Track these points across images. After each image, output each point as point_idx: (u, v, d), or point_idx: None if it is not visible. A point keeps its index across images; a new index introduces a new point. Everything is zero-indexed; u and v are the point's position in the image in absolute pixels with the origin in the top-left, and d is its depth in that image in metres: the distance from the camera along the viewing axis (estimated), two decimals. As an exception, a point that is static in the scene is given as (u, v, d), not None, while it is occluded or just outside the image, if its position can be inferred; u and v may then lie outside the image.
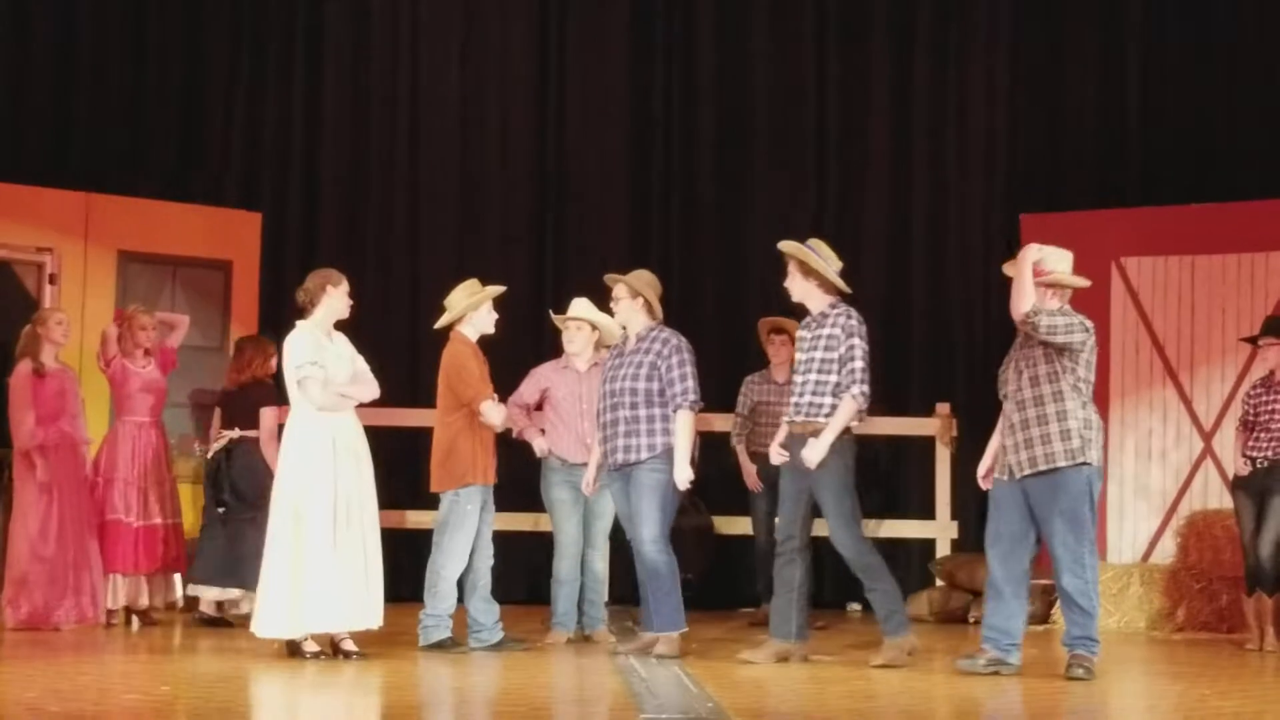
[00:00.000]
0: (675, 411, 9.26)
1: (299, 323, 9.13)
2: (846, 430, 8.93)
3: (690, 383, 9.29)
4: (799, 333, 9.22)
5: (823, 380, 8.93)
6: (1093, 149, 13.59)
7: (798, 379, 9.06)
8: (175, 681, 8.10)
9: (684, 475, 9.21)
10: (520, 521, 11.82)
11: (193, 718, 7.20)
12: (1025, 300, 8.52)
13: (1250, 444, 10.54)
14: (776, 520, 9.31)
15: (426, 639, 9.38)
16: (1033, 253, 8.62)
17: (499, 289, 9.67)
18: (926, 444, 12.79)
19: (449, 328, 9.63)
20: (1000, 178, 13.76)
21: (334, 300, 9.12)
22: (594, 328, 10.11)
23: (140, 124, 13.42)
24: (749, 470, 11.37)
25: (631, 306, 9.44)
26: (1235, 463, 10.71)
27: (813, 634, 9.33)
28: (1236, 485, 10.68)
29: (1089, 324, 8.70)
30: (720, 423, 11.81)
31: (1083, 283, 8.82)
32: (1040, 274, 8.67)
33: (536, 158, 13.98)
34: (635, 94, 14.02)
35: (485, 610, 9.49)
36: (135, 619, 10.63)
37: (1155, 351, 12.45)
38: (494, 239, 13.79)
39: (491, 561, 9.56)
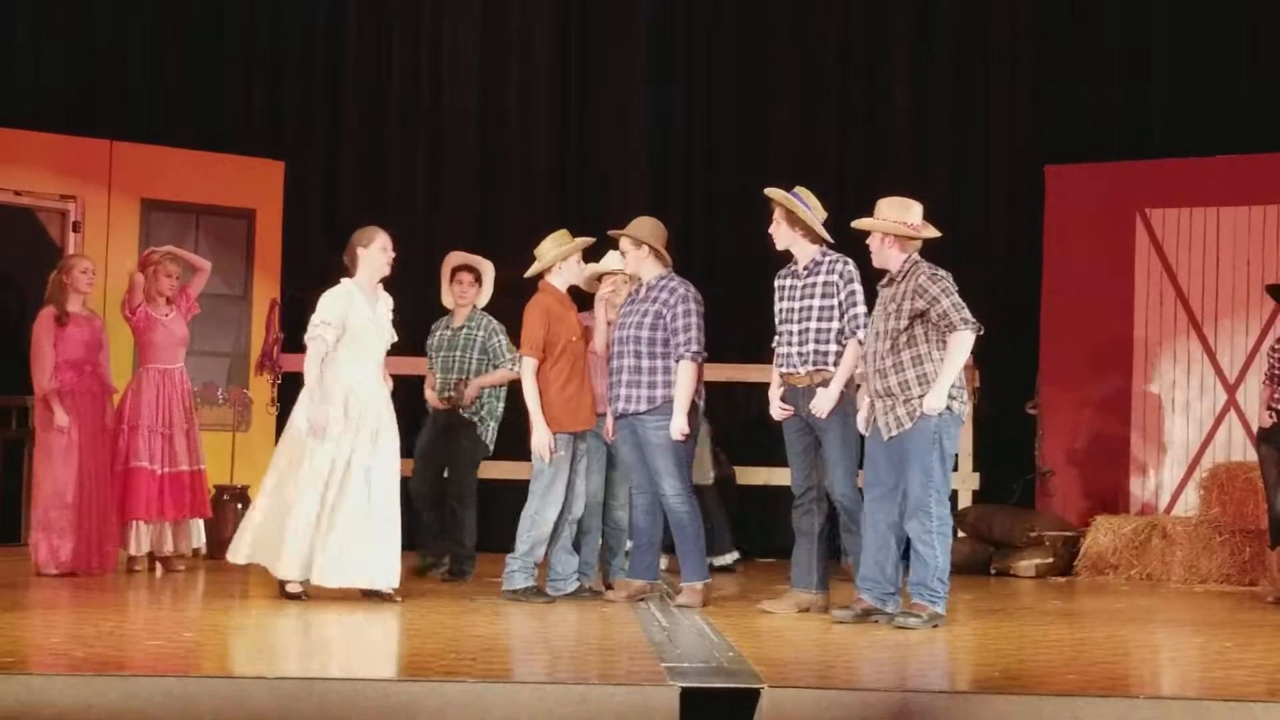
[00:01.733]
0: (677, 361, 9.26)
1: (343, 280, 9.24)
2: (850, 378, 8.93)
3: (694, 333, 9.26)
4: (780, 281, 9.15)
5: (824, 328, 8.91)
6: (1118, 100, 13.53)
7: (792, 328, 9.00)
8: (198, 628, 8.14)
9: (679, 426, 9.19)
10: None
11: (216, 664, 7.24)
12: (946, 384, 8.46)
13: (1275, 396, 10.52)
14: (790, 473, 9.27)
15: (509, 584, 9.38)
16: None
17: (588, 240, 9.64)
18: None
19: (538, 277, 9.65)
20: (1025, 129, 13.71)
21: (369, 258, 9.24)
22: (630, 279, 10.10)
23: (164, 72, 13.42)
24: None
25: (639, 256, 9.42)
26: (1259, 415, 10.69)
27: (834, 584, 9.33)
28: (1260, 438, 10.66)
29: (945, 274, 8.62)
30: (754, 373, 11.80)
31: (930, 233, 8.72)
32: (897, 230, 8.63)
33: (558, 106, 13.96)
34: (655, 50, 13.98)
35: (565, 560, 9.50)
36: (159, 565, 10.67)
37: (1179, 303, 12.42)
38: (515, 183, 13.79)
39: (578, 513, 9.53)
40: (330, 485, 8.98)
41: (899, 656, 7.62)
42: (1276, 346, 10.68)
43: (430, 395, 10.86)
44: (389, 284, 9.51)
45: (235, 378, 12.52)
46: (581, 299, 10.10)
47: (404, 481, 10.72)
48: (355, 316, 9.11)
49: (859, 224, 8.73)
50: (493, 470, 11.35)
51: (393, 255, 9.30)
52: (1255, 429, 10.92)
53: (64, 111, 12.79)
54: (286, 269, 12.87)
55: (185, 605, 9.34)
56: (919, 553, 8.46)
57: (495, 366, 10.70)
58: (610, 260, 10.05)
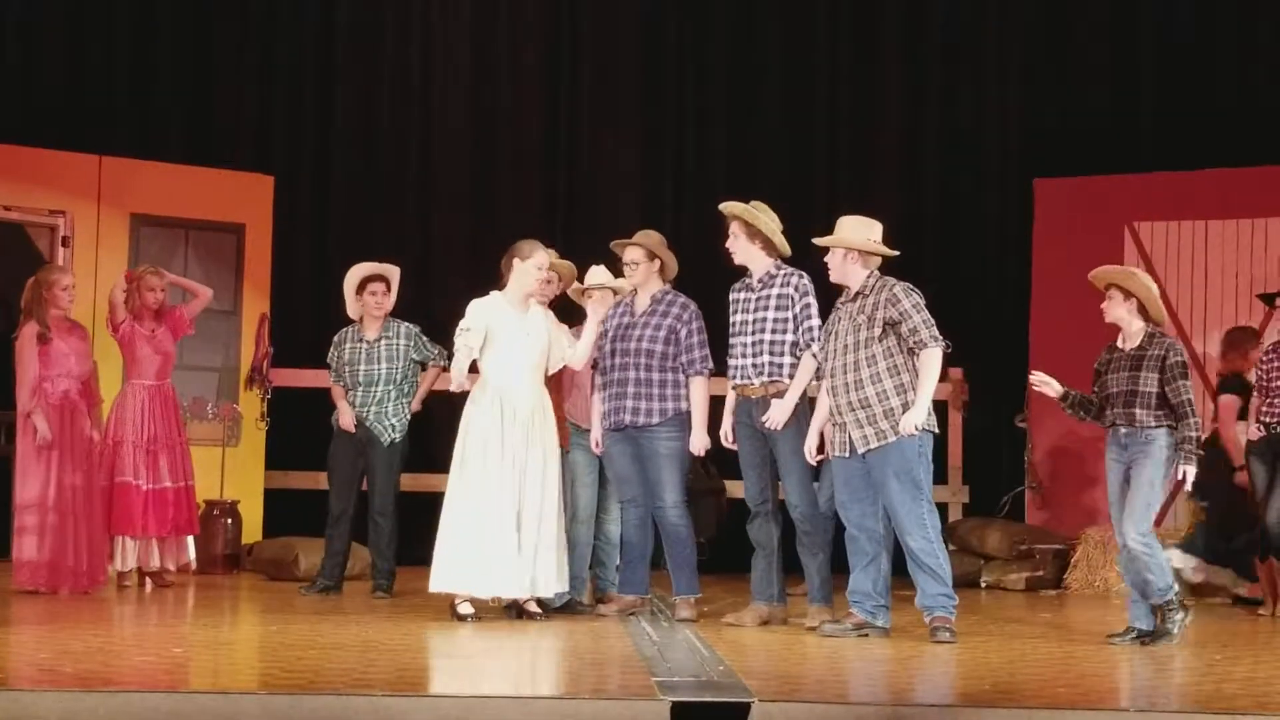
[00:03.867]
0: (692, 377, 9.29)
1: (492, 292, 9.23)
2: (804, 392, 8.96)
3: (706, 350, 9.35)
4: (734, 294, 9.18)
5: (778, 340, 8.95)
6: (1106, 113, 13.56)
7: (745, 340, 9.03)
8: (188, 643, 8.12)
9: (701, 441, 9.27)
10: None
11: (205, 679, 7.22)
12: (925, 403, 8.52)
13: (1264, 409, 10.53)
14: (743, 484, 9.27)
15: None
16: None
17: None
18: (938, 408, 12.72)
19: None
20: (1014, 142, 13.73)
21: (521, 272, 9.14)
22: (615, 293, 10.11)
23: (153, 86, 13.42)
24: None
25: (650, 269, 9.46)
26: (1248, 428, 10.69)
27: (792, 601, 9.38)
28: (1249, 451, 10.66)
29: (917, 290, 8.64)
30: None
31: (889, 252, 8.71)
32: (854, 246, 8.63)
33: (549, 123, 13.98)
34: (646, 65, 14.04)
35: None
36: (148, 581, 10.63)
37: (1168, 316, 12.42)
38: (506, 199, 13.80)
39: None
40: (486, 495, 8.92)
41: (890, 670, 7.62)
42: (1264, 359, 10.68)
43: (346, 414, 10.57)
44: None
45: (225, 393, 12.51)
46: (571, 312, 10.09)
47: (326, 502, 10.70)
48: (499, 325, 9.06)
49: (821, 241, 8.75)
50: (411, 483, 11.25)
51: (544, 277, 9.22)
52: (1244, 442, 10.92)
53: (53, 126, 12.78)
54: (276, 284, 12.87)
55: (174, 620, 9.31)
56: (927, 566, 8.45)
57: (425, 363, 10.64)
58: (597, 276, 10.02)
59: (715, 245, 13.19)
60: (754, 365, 9.01)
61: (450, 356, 9.44)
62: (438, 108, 13.93)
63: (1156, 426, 8.59)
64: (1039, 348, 12.85)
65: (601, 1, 14.08)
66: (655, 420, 9.29)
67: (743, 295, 9.15)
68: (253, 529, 12.41)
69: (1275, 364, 10.53)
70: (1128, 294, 8.70)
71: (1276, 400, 10.46)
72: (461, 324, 9.15)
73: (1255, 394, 10.73)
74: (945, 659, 7.93)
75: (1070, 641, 8.77)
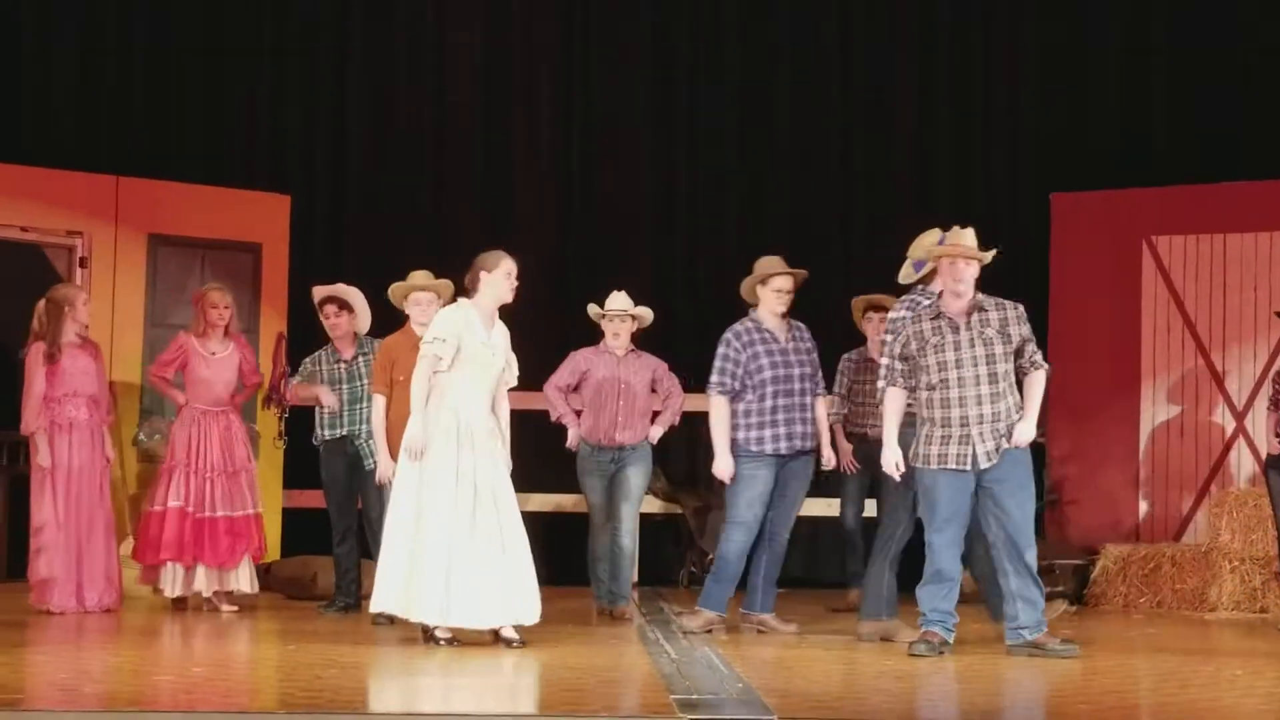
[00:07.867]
0: (818, 397, 9.67)
1: (460, 299, 8.96)
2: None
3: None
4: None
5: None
6: (1122, 127, 13.54)
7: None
8: (206, 663, 8.12)
9: (829, 457, 9.75)
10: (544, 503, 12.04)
11: (224, 699, 7.22)
12: (1032, 418, 8.62)
13: (1280, 423, 10.52)
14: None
15: None
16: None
17: (419, 284, 10.11)
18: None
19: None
20: (1030, 157, 13.71)
21: (492, 283, 8.81)
22: (634, 319, 10.27)
23: (169, 107, 13.45)
24: (845, 451, 10.89)
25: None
26: (1268, 442, 10.67)
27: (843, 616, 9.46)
28: (1269, 465, 10.65)
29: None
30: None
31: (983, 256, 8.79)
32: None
33: (561, 142, 13.99)
34: (658, 76, 14.05)
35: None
36: (204, 605, 10.38)
37: (1187, 330, 12.41)
38: (519, 217, 13.81)
39: None
40: (458, 520, 8.55)
41: (909, 687, 7.60)
42: (1280, 374, 10.68)
43: (326, 395, 10.51)
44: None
45: (242, 412, 12.48)
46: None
47: (326, 519, 10.69)
48: (470, 338, 8.71)
49: (984, 255, 8.77)
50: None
51: (516, 283, 8.87)
52: (1264, 455, 10.90)
53: (70, 147, 12.81)
54: (293, 303, 12.87)
55: (193, 640, 9.31)
56: (1037, 583, 8.56)
57: None
58: (618, 301, 10.13)
59: (724, 256, 13.25)
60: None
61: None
62: (452, 126, 13.94)
63: None
64: (1057, 362, 12.77)
65: (612, 34, 14.09)
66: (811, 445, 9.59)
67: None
68: (271, 548, 12.38)
69: (1294, 378, 10.53)
70: None
71: (1296, 414, 10.46)
72: (431, 333, 8.77)
73: (1272, 409, 10.70)
74: (964, 675, 7.92)
75: (1090, 657, 8.74)
